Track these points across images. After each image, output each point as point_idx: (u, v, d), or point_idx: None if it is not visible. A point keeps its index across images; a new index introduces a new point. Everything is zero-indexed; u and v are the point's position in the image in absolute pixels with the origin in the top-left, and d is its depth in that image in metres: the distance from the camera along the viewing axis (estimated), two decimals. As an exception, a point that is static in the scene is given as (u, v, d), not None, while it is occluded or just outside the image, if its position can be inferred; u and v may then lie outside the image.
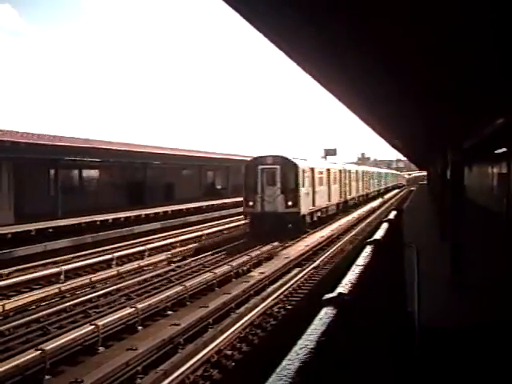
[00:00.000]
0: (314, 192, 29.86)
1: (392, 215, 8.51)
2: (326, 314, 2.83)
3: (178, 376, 9.52)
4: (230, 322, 12.57)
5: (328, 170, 35.05)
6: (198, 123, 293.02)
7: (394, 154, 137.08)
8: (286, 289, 16.14)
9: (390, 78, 6.97)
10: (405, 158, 65.50)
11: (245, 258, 19.02)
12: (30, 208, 28.13)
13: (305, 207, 27.66)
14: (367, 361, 3.32)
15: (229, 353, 11.11)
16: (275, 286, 16.54)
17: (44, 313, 13.42)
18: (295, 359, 2.13)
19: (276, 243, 22.96)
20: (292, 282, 17.06)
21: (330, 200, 34.71)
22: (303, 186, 27.47)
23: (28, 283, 17.24)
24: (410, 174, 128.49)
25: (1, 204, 25.77)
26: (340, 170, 39.56)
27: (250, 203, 26.92)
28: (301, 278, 17.72)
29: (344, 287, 3.43)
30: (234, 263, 18.00)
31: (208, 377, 9.98)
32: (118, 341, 11.56)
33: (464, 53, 5.34)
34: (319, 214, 31.86)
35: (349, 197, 42.78)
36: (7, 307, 14.17)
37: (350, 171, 43.86)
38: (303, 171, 27.68)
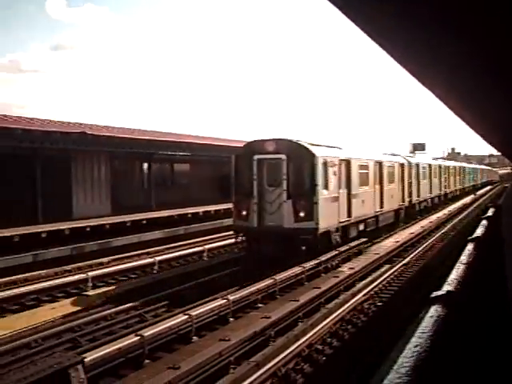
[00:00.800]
0: (349, 195, 20.46)
1: (490, 212, 8.25)
2: (436, 311, 2.82)
3: (269, 368, 9.66)
4: (320, 317, 12.61)
5: (379, 163, 25.07)
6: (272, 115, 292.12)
7: (486, 149, 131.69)
8: (376, 285, 16.01)
9: (486, 69, 6.71)
10: (498, 153, 61.95)
11: (333, 253, 18.90)
12: (125, 200, 29.28)
13: (328, 220, 18.37)
14: (477, 359, 3.26)
15: (320, 347, 11.16)
16: (365, 281, 16.44)
17: (140, 301, 14.07)
18: (411, 357, 2.15)
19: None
20: (382, 278, 16.90)
21: (382, 206, 24.90)
22: (326, 186, 18.20)
23: (125, 272, 18.17)
24: (511, 170, 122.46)
25: (100, 196, 27.14)
26: (402, 165, 29.83)
27: (243, 213, 18.22)
28: (391, 274, 17.57)
29: (450, 285, 3.39)
30: (323, 258, 17.92)
31: (299, 370, 10.08)
32: (211, 331, 11.84)
33: None
34: (361, 226, 22.15)
35: (416, 199, 33.16)
36: (108, 294, 15.00)
37: (417, 166, 34.24)
38: (325, 164, 18.18)
